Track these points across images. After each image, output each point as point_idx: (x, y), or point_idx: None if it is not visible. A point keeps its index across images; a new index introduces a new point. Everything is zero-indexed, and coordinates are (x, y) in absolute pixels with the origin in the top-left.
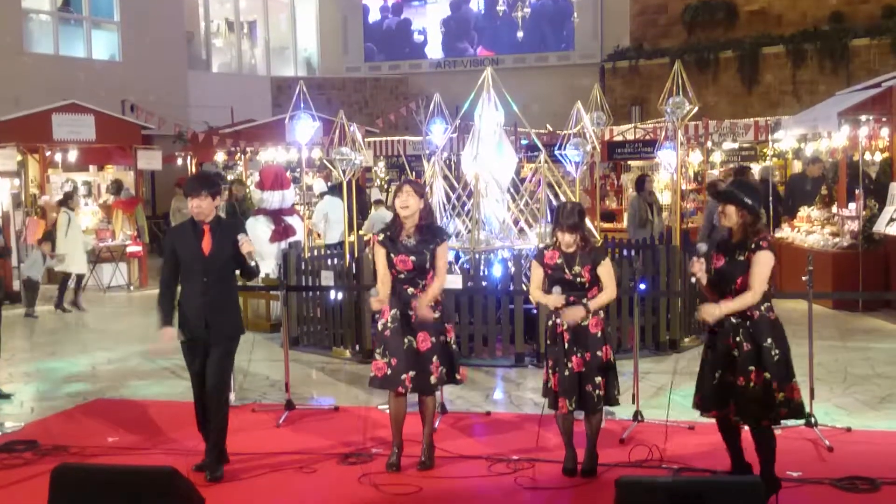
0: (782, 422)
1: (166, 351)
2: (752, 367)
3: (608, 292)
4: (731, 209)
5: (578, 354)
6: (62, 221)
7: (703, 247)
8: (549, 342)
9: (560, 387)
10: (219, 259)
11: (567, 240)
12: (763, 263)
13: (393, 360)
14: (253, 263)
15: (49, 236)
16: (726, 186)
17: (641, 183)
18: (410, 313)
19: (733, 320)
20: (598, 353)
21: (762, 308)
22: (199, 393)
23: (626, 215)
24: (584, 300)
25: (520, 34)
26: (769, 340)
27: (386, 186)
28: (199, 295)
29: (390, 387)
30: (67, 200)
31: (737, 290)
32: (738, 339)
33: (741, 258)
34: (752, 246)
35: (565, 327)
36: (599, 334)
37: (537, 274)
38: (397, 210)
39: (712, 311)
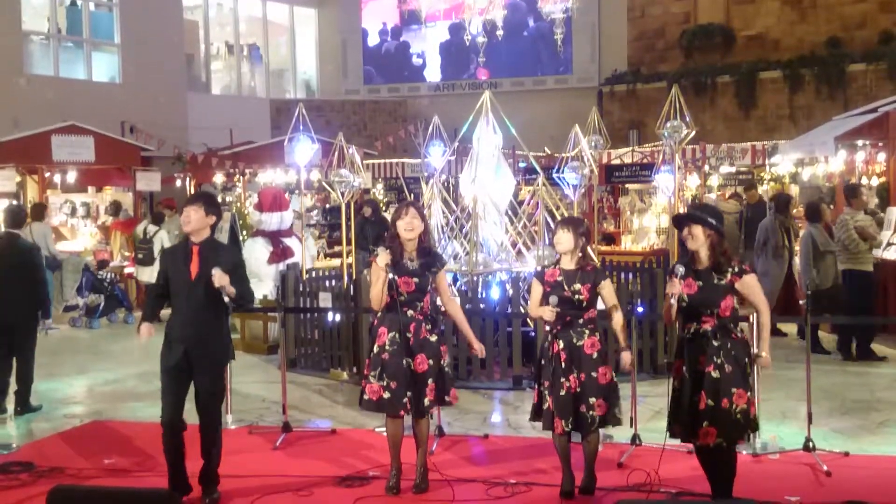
0: (780, 446)
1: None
2: (735, 389)
3: (619, 313)
4: (697, 231)
5: (574, 374)
6: None
7: (680, 269)
8: (542, 362)
9: (555, 407)
10: (204, 283)
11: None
12: (756, 286)
13: (392, 384)
14: (227, 299)
15: None
16: (691, 209)
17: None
18: (409, 336)
19: (715, 343)
20: (594, 373)
21: (738, 329)
22: (170, 418)
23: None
24: (622, 348)
25: (481, 59)
26: (745, 360)
27: (384, 209)
28: (184, 319)
29: (391, 410)
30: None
31: (719, 314)
32: (719, 360)
33: (722, 282)
34: (736, 270)
35: (562, 347)
36: (595, 355)
37: (537, 291)
38: (401, 232)
39: (768, 360)
